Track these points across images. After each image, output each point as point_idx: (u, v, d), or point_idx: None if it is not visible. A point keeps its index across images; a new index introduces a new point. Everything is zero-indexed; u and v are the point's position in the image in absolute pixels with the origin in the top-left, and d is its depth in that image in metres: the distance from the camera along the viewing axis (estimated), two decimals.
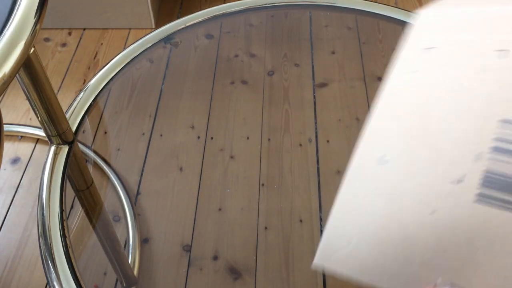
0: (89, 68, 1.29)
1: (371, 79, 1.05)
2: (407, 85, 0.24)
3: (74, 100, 0.67)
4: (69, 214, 0.78)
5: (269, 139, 0.95)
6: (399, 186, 0.22)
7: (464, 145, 0.20)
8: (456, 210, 0.20)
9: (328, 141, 0.95)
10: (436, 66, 0.23)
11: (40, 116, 0.58)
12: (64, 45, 1.35)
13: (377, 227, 0.23)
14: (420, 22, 0.25)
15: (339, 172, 0.93)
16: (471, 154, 0.20)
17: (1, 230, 1.01)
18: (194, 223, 0.85)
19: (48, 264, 0.52)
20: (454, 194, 0.20)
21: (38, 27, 0.45)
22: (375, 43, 1.12)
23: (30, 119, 1.19)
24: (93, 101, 0.67)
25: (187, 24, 0.77)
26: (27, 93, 0.55)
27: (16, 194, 1.06)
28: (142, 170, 0.92)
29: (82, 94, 0.67)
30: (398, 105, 0.24)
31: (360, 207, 0.24)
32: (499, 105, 0.20)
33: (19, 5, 0.45)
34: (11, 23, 0.43)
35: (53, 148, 0.60)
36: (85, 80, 1.26)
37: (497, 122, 0.19)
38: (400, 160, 0.22)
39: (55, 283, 0.51)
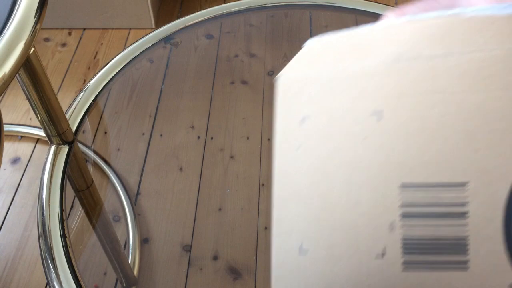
0: (89, 68, 1.29)
1: None
2: (296, 165, 0.21)
3: (74, 100, 0.67)
4: (69, 214, 0.78)
5: (269, 139, 0.95)
6: (327, 274, 0.21)
7: (375, 218, 0.19)
8: (389, 284, 0.20)
9: None
10: (316, 138, 0.21)
11: (40, 116, 0.58)
12: (64, 45, 1.35)
13: None
14: (283, 90, 0.23)
15: None
16: (384, 225, 0.19)
17: (1, 230, 1.01)
18: (194, 223, 0.85)
19: (48, 264, 0.52)
20: (381, 268, 0.20)
21: (38, 27, 0.45)
22: None
23: (30, 119, 1.19)
24: (93, 101, 0.67)
25: (187, 24, 0.77)
26: (27, 93, 0.55)
27: (16, 194, 1.06)
28: (142, 170, 0.92)
29: (82, 94, 0.67)
30: (295, 188, 0.22)
31: None
32: (393, 171, 0.19)
33: (19, 5, 0.45)
34: (11, 23, 0.43)
35: (53, 148, 0.60)
36: (85, 80, 1.26)
37: (397, 188, 0.19)
38: (319, 247, 0.21)
39: (55, 283, 0.51)
